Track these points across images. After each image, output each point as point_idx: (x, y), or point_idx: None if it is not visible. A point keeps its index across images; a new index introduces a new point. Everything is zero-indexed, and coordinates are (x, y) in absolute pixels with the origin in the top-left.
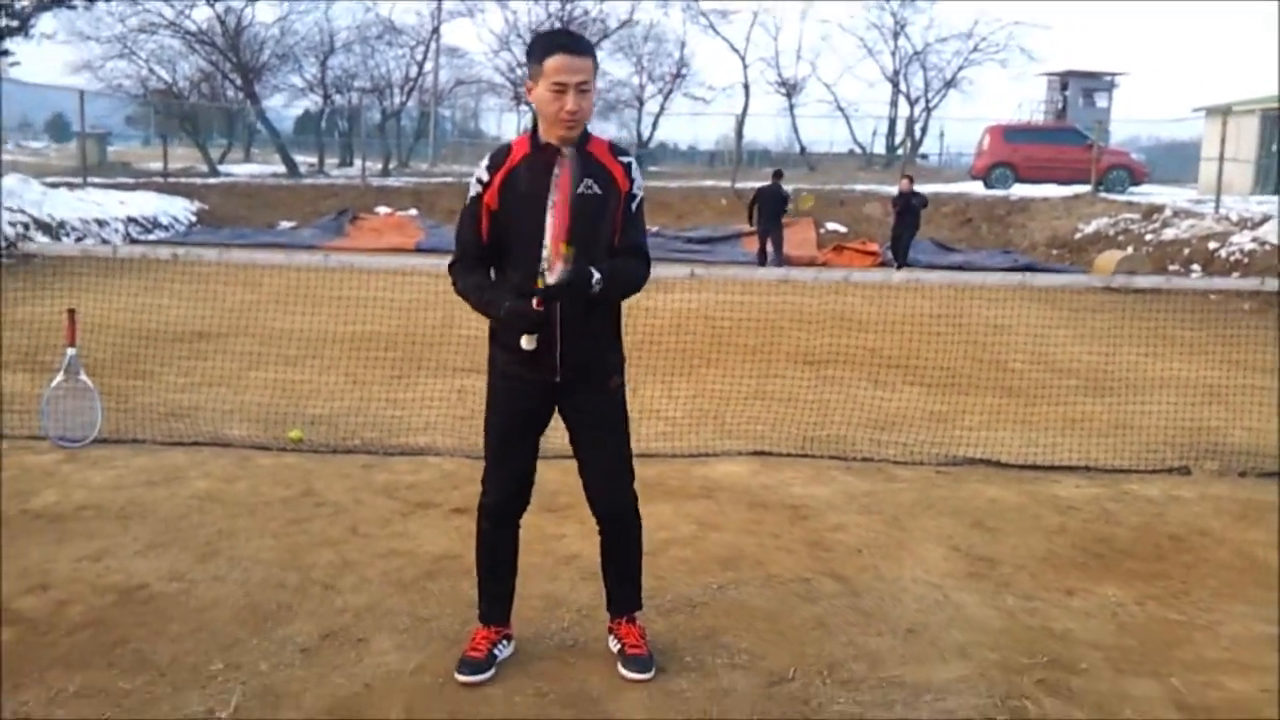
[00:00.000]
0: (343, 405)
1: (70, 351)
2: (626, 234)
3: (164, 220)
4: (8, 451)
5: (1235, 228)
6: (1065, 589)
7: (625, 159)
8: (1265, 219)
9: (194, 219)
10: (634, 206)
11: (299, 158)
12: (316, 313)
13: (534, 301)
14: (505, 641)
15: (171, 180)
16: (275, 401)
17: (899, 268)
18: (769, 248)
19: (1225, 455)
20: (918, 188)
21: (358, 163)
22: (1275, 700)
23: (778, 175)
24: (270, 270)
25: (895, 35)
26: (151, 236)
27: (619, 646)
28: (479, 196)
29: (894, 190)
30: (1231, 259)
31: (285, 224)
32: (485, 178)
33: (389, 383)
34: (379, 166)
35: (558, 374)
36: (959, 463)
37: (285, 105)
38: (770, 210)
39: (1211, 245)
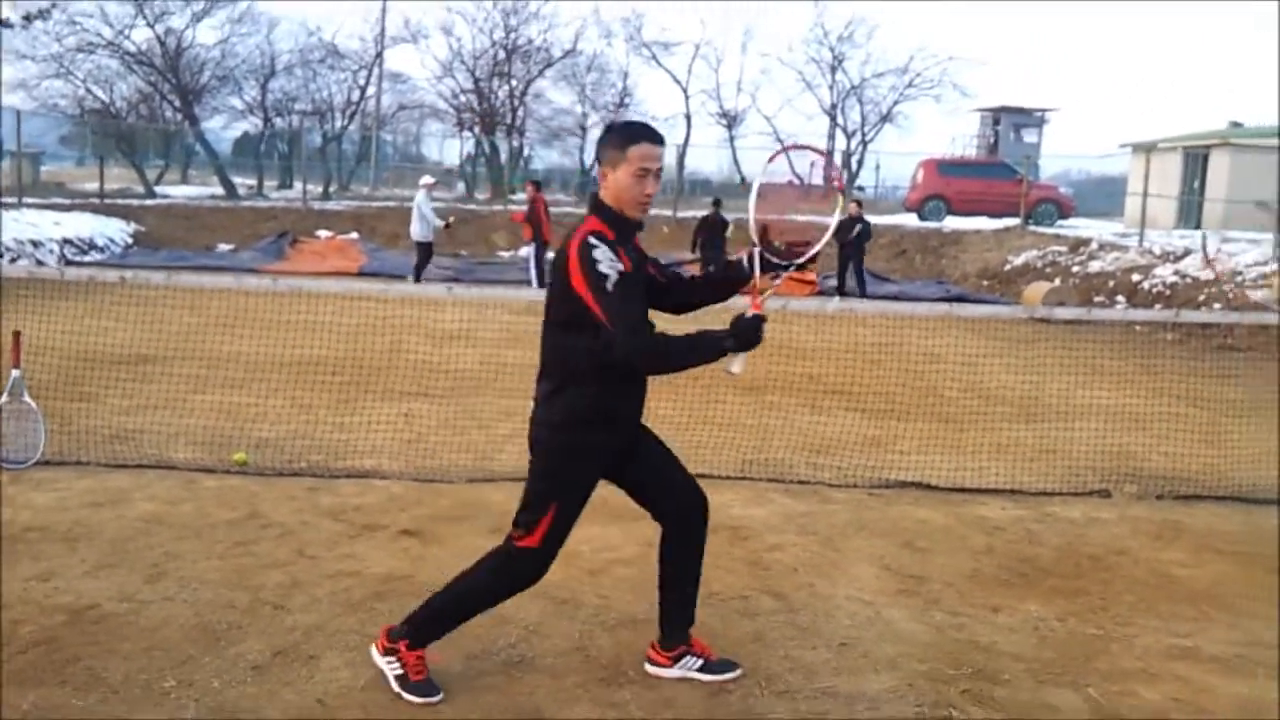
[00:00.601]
0: (288, 429)
1: (15, 373)
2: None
3: (100, 242)
4: None
5: (1158, 260)
6: (990, 605)
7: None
8: (1186, 252)
9: (130, 240)
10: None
11: (237, 180)
12: (261, 337)
13: (753, 309)
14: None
15: (108, 201)
16: (220, 425)
17: (842, 290)
18: None
19: (1144, 479)
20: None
21: (297, 185)
22: (1185, 709)
23: (717, 204)
24: (214, 294)
25: (833, 70)
26: (88, 258)
27: (701, 662)
28: (627, 273)
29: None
30: (1154, 291)
31: (224, 246)
32: (617, 260)
33: (335, 407)
34: (319, 190)
35: (633, 427)
36: (891, 485)
37: (224, 127)
38: (711, 239)
39: (1135, 278)
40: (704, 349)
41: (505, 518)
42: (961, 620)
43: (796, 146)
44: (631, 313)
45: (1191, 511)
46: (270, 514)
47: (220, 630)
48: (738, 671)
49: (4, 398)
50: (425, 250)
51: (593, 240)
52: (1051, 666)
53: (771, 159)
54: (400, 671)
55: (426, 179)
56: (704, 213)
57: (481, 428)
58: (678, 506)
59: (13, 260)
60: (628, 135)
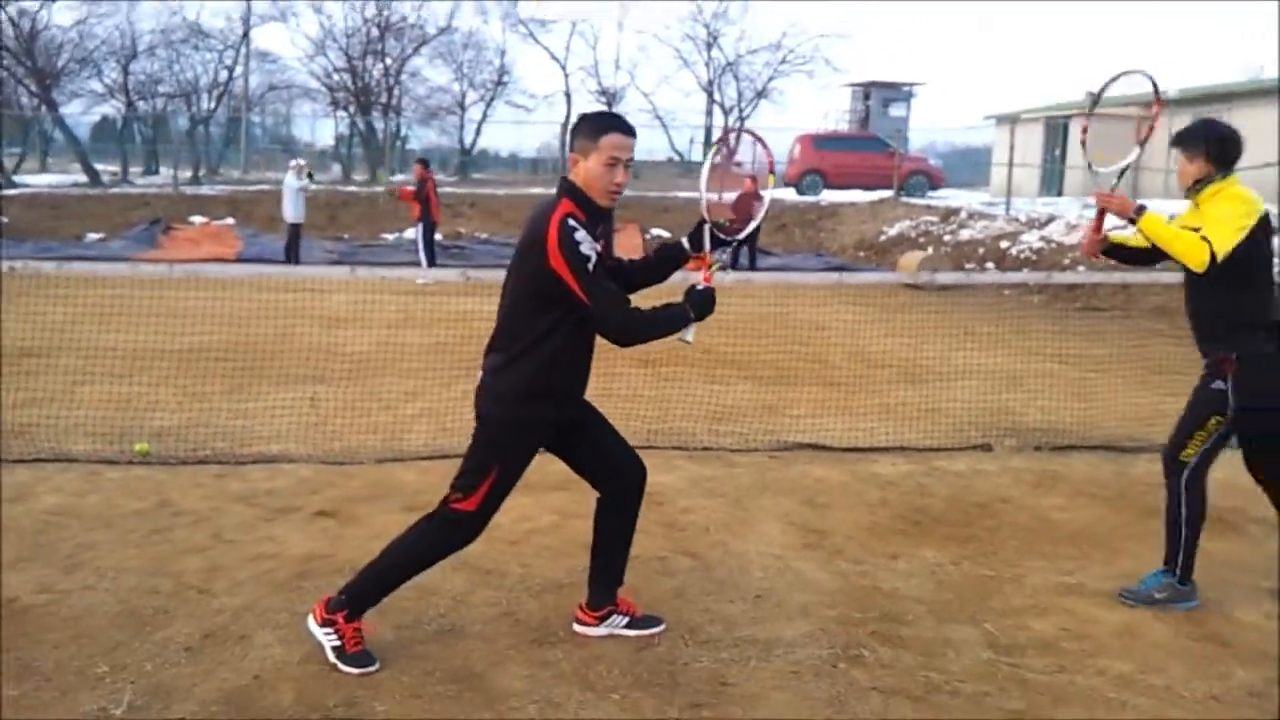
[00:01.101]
0: (185, 418)
1: None
2: None
3: None
4: None
5: (1025, 227)
6: (889, 554)
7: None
8: (1051, 219)
9: None
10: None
11: (99, 166)
12: (141, 327)
13: (704, 280)
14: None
15: None
16: (113, 416)
17: (735, 265)
18: None
19: (1022, 433)
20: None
21: (164, 171)
22: (1072, 637)
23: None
24: (86, 285)
25: (709, 46)
26: None
27: (626, 619)
28: (600, 252)
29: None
30: (1022, 256)
31: (93, 236)
32: (593, 240)
33: (230, 394)
34: (188, 174)
35: (575, 403)
36: (789, 448)
37: (83, 112)
38: None
39: (1004, 244)
40: (673, 319)
41: (418, 496)
42: (864, 568)
43: (739, 130)
44: (613, 290)
45: (1067, 461)
46: (180, 502)
47: (146, 616)
48: (661, 626)
49: None
50: (294, 231)
51: (572, 223)
52: (950, 606)
53: (717, 142)
54: (338, 643)
55: (296, 160)
56: None
57: (386, 409)
58: (619, 478)
59: None
60: (600, 125)
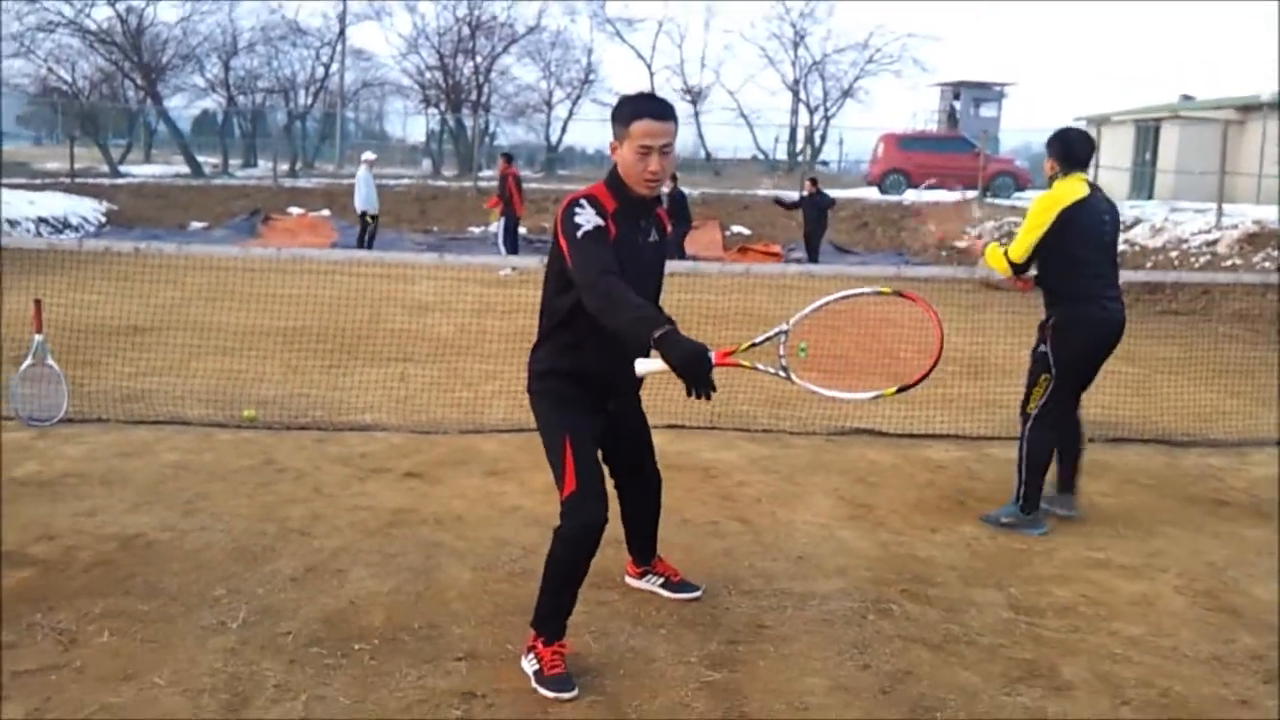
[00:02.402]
0: (287, 390)
1: (38, 338)
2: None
3: (74, 220)
4: None
5: None
6: (930, 527)
7: (663, 209)
8: (1136, 221)
9: (103, 219)
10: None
11: (200, 158)
12: (244, 309)
13: (714, 355)
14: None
15: (79, 181)
16: (222, 386)
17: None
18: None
19: None
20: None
21: (263, 163)
22: (1090, 603)
23: (673, 179)
24: (193, 269)
25: (795, 46)
26: (63, 237)
27: (662, 580)
28: (604, 228)
29: (795, 194)
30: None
31: (196, 224)
32: (600, 218)
33: (327, 370)
34: (285, 168)
35: (611, 403)
36: (846, 432)
37: (186, 105)
38: (676, 211)
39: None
40: (638, 324)
41: (497, 463)
42: (903, 539)
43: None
44: (594, 257)
45: (1119, 452)
46: (285, 461)
47: (256, 552)
48: (698, 593)
49: (29, 360)
50: (366, 220)
51: (581, 202)
52: (979, 573)
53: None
54: (536, 667)
55: (368, 155)
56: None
57: (468, 386)
58: (636, 488)
59: None
60: (632, 110)
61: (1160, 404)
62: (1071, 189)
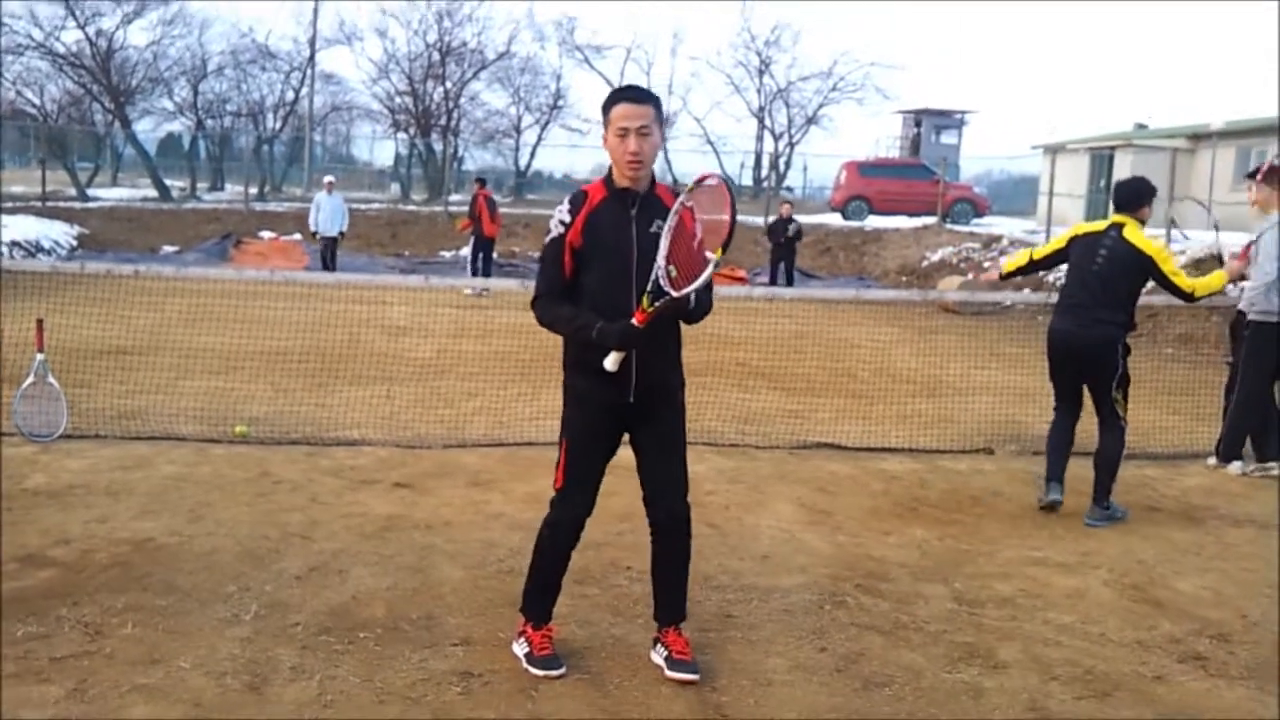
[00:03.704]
0: (275, 408)
1: (39, 357)
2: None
3: (46, 244)
4: None
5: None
6: (884, 530)
7: (690, 203)
8: None
9: (75, 243)
10: (695, 244)
11: (166, 181)
12: (225, 332)
13: (634, 319)
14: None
15: (50, 204)
16: (213, 405)
17: (774, 284)
18: None
19: (1025, 440)
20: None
21: (229, 186)
22: (1027, 595)
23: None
24: (170, 294)
25: (760, 73)
26: (37, 260)
27: (665, 654)
28: (561, 236)
29: (767, 219)
30: (1058, 283)
31: (168, 248)
32: (567, 219)
33: (311, 390)
34: (254, 191)
35: (632, 394)
36: (808, 446)
37: (154, 129)
38: None
39: (1041, 271)
40: (576, 331)
41: (480, 474)
42: (859, 540)
43: (717, 181)
44: (541, 277)
45: None
46: (279, 473)
47: (261, 554)
48: (691, 676)
49: (30, 379)
50: (330, 243)
51: (565, 201)
52: (928, 570)
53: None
54: (526, 649)
55: (328, 178)
56: None
57: (449, 405)
58: (650, 506)
59: None
60: (610, 99)
61: None
62: (1092, 224)
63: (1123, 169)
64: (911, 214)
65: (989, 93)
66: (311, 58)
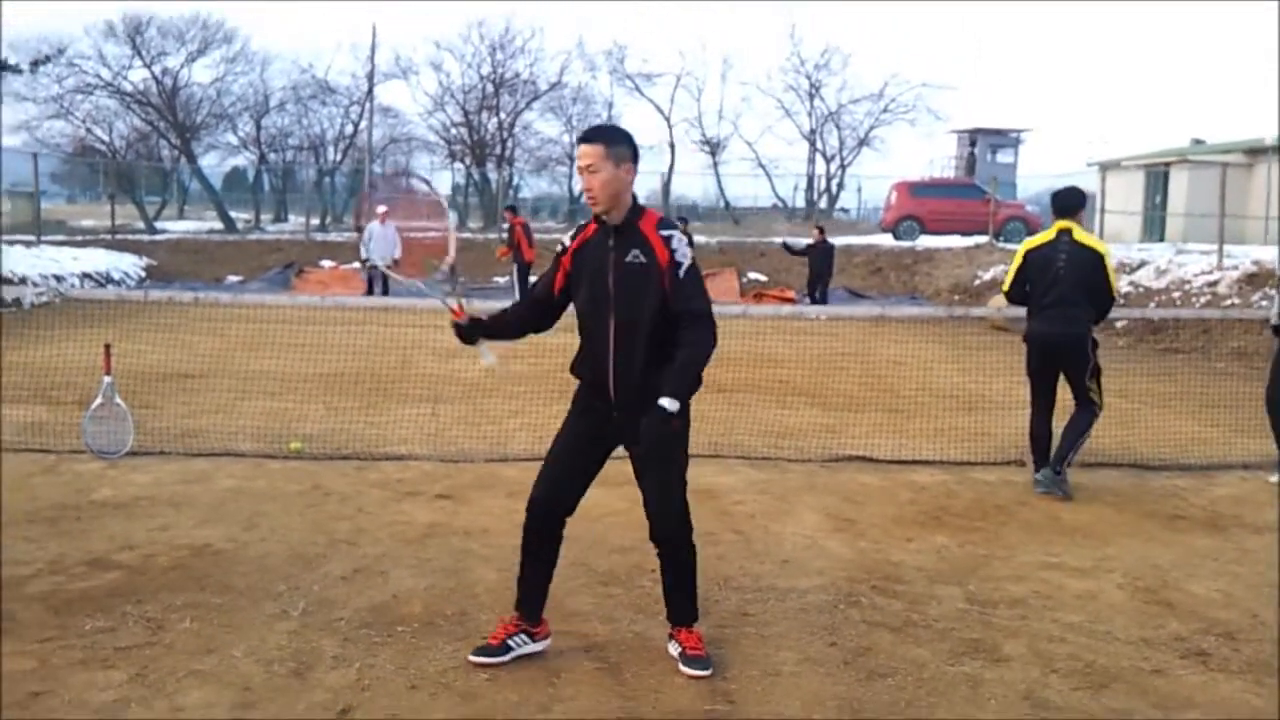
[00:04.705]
0: (328, 426)
1: (107, 379)
2: (678, 299)
3: (115, 275)
4: (57, 463)
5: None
6: (906, 537)
7: (666, 233)
8: (1142, 264)
9: (143, 274)
10: (680, 274)
11: (231, 213)
12: (283, 357)
13: (454, 312)
14: (525, 637)
15: (119, 237)
16: (269, 424)
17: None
18: None
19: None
20: (832, 239)
21: (292, 218)
22: (1039, 597)
23: (682, 220)
24: (233, 320)
25: (810, 97)
26: (106, 291)
27: (679, 650)
28: (559, 255)
29: (804, 240)
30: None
31: (232, 278)
32: (566, 243)
33: (364, 410)
34: (316, 222)
35: (613, 408)
36: (840, 459)
37: (219, 163)
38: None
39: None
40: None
41: (519, 485)
42: (880, 546)
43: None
44: (538, 281)
45: (1093, 475)
46: (330, 486)
47: (310, 558)
48: (703, 672)
49: (99, 400)
50: (376, 271)
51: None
52: (944, 573)
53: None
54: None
55: (381, 208)
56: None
57: (493, 423)
58: (648, 517)
59: (39, 293)
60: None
61: (1142, 434)
62: (1040, 236)
63: (1179, 185)
64: (964, 233)
65: (1045, 111)
66: (370, 91)
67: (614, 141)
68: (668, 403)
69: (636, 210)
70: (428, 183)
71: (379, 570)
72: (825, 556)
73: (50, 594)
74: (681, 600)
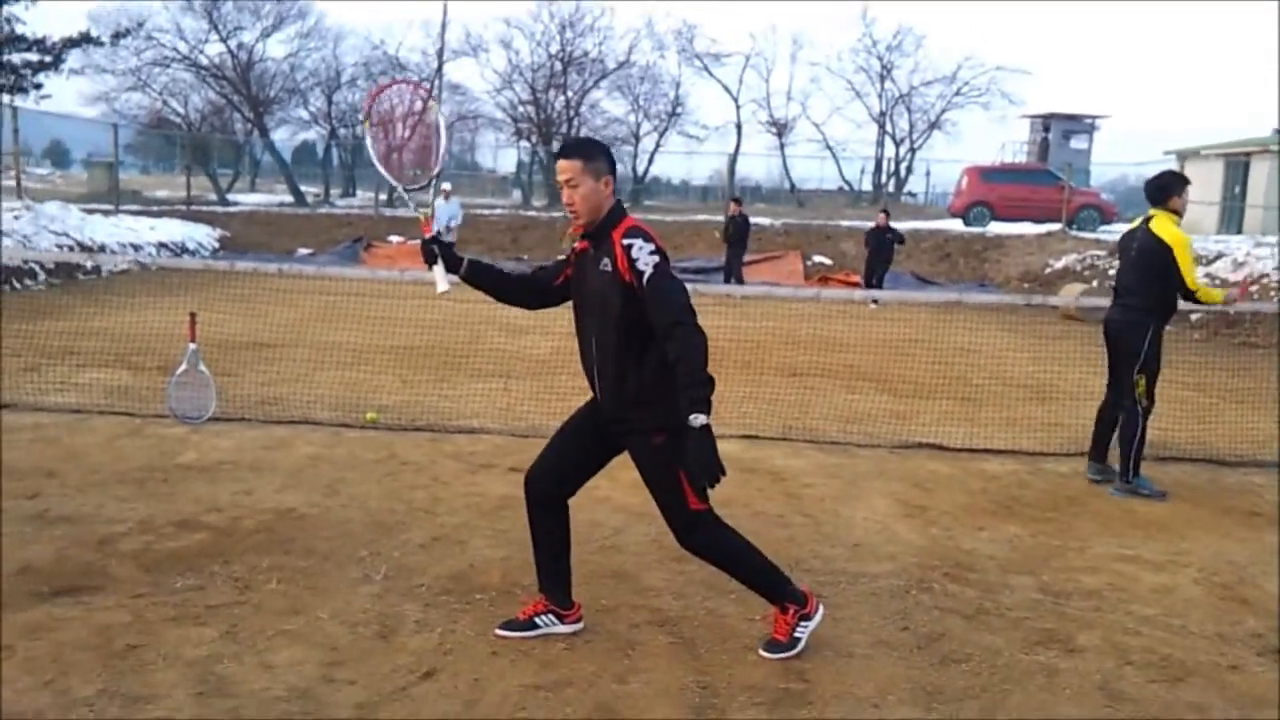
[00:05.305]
0: (402, 398)
1: (191, 346)
2: (651, 314)
3: (190, 245)
4: (142, 426)
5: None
6: (978, 526)
7: (627, 241)
8: (1219, 255)
9: (217, 245)
10: (645, 284)
11: (300, 187)
12: (356, 329)
13: (422, 226)
14: (554, 617)
15: (194, 208)
16: (345, 394)
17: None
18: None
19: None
20: (897, 224)
21: (360, 193)
22: (1113, 590)
23: (737, 202)
24: (305, 293)
25: (881, 78)
26: (193, 260)
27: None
28: (570, 251)
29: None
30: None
31: (303, 250)
32: (576, 245)
33: (436, 383)
34: (384, 197)
35: (604, 410)
36: (909, 446)
37: (290, 137)
38: (737, 234)
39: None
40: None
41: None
42: (951, 534)
43: (380, 90)
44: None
45: (1166, 469)
46: (406, 455)
47: (390, 525)
48: (773, 655)
49: (183, 366)
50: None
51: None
52: (1017, 563)
53: (367, 115)
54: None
55: (445, 185)
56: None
57: (562, 399)
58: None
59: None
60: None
61: (1218, 429)
62: (1134, 223)
63: (1260, 175)
64: (1036, 220)
65: (1123, 98)
66: (439, 68)
67: (592, 156)
68: (694, 418)
69: (612, 218)
70: (427, 91)
71: (457, 539)
72: (896, 542)
73: (141, 552)
74: (754, 590)
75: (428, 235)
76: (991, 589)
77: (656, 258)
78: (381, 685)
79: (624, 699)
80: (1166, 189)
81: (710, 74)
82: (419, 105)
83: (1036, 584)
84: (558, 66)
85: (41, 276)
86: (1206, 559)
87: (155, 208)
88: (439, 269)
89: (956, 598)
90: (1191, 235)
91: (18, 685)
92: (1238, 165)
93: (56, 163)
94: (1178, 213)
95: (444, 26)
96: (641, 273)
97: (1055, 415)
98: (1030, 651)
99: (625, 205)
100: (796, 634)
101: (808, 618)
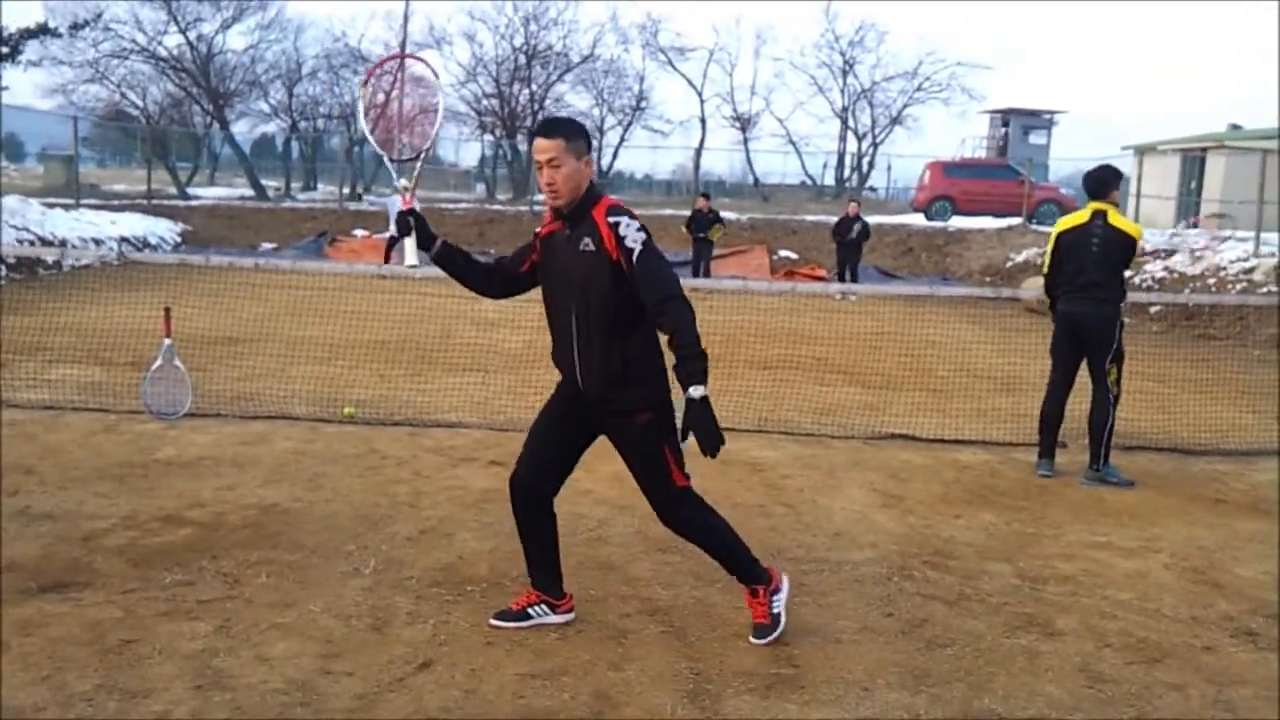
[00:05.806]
0: (378, 393)
1: (166, 342)
2: (643, 292)
3: (152, 240)
4: (117, 422)
5: (1149, 258)
6: (954, 514)
7: (613, 219)
8: (1175, 250)
9: (179, 239)
10: (635, 262)
11: (261, 181)
12: (326, 324)
13: (402, 200)
14: (546, 608)
15: (155, 202)
16: (321, 389)
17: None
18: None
19: None
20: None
21: (321, 187)
22: (1088, 575)
23: (705, 197)
24: (272, 287)
25: (844, 74)
26: (143, 254)
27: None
28: (535, 234)
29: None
30: (1144, 285)
31: (266, 245)
32: (540, 230)
33: (411, 377)
34: (347, 191)
35: (583, 394)
36: (883, 437)
37: (249, 130)
38: (698, 227)
39: (1127, 273)
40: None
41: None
42: (929, 522)
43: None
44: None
45: (1133, 458)
46: (385, 450)
47: (375, 518)
48: (759, 640)
49: (158, 362)
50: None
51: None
52: (993, 550)
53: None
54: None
55: (403, 182)
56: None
57: (538, 393)
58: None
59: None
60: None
61: (1182, 419)
62: (1073, 217)
63: (1215, 171)
64: (997, 214)
65: (1081, 93)
66: (402, 61)
67: (573, 135)
68: (694, 389)
69: (590, 197)
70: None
71: (443, 532)
72: (876, 531)
73: (127, 547)
74: (731, 572)
75: (405, 208)
76: (971, 575)
77: (644, 234)
78: (379, 676)
79: (620, 686)
80: (1107, 183)
81: (674, 68)
82: (431, 75)
83: (1014, 570)
84: (522, 60)
85: (3, 271)
86: (1177, 545)
87: (115, 201)
88: (410, 241)
89: (937, 584)
90: (1149, 229)
91: (14, 681)
92: (1194, 160)
93: (10, 156)
94: (1115, 205)
95: (406, 18)
96: (631, 250)
97: (1022, 406)
98: (1011, 635)
99: None
100: (774, 609)
101: (776, 591)
